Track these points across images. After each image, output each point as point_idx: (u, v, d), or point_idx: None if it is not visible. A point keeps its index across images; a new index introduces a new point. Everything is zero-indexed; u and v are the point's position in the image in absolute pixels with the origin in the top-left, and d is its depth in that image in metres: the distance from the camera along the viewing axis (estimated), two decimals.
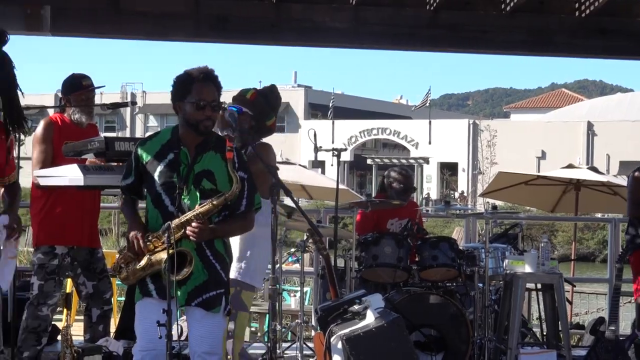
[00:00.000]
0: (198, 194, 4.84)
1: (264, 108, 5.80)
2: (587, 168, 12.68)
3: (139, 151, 4.98)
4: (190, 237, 4.76)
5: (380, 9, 8.65)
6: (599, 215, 17.85)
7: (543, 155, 47.58)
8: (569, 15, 8.90)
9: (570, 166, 13.02)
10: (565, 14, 8.94)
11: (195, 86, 4.86)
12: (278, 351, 6.69)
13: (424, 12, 8.59)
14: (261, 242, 5.61)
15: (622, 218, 10.20)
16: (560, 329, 7.45)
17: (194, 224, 4.75)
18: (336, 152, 7.51)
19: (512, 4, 8.56)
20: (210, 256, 4.88)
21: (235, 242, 5.48)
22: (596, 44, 9.11)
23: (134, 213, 5.07)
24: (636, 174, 8.02)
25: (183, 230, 4.78)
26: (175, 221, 4.78)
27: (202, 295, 4.86)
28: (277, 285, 5.85)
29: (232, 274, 5.36)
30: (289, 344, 8.07)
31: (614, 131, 47.79)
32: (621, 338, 7.37)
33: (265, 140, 5.86)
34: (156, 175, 4.88)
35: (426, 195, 50.45)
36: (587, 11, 8.75)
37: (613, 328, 7.22)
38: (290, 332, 8.85)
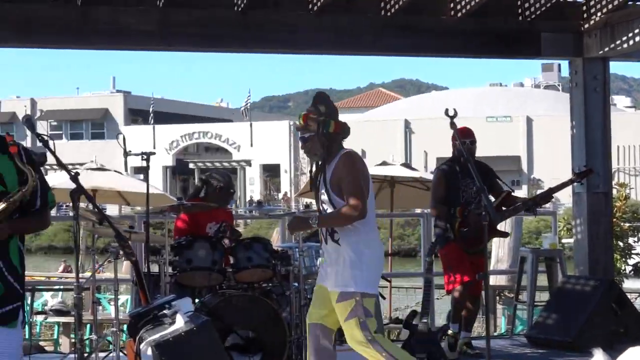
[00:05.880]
0: None
1: (320, 121, 5.90)
2: (400, 164, 12.89)
3: None
4: None
5: (189, 11, 8.58)
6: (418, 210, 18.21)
7: (363, 154, 48.26)
8: (375, 14, 9.06)
9: (384, 163, 13.20)
10: (371, 13, 9.10)
11: None
12: None
13: (233, 13, 8.58)
14: (372, 248, 5.80)
15: None
16: None
17: None
18: (145, 156, 7.39)
19: (319, 3, 8.64)
20: (4, 268, 4.67)
21: (345, 249, 5.62)
22: (402, 41, 9.32)
23: None
24: (436, 171, 8.22)
25: None
26: None
27: None
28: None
29: (349, 284, 5.55)
30: (105, 353, 7.86)
31: (430, 128, 48.89)
32: (434, 330, 7.53)
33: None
34: None
35: (249, 198, 50.55)
36: (392, 10, 8.92)
37: (425, 320, 7.36)
38: (108, 341, 8.63)
